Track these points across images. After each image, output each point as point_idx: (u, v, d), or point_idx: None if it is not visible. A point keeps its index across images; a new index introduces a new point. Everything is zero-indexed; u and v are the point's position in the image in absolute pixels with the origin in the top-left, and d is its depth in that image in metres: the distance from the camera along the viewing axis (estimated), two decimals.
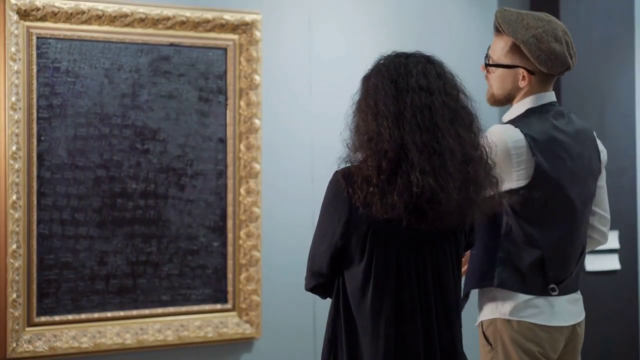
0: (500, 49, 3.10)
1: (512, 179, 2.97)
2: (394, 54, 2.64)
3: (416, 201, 2.50)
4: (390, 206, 2.50)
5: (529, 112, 3.07)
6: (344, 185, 2.55)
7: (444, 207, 2.52)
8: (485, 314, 3.06)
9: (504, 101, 3.15)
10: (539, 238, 3.01)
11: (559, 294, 3.05)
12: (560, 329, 3.05)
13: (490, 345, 3.03)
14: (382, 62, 2.63)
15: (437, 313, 2.62)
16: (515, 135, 2.98)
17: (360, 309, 2.58)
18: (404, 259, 2.58)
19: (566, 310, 3.08)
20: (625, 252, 5.08)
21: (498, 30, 3.10)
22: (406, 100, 2.54)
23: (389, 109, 2.53)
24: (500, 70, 3.09)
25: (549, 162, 2.99)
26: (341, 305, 2.62)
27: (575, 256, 3.11)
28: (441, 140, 2.52)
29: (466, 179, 2.56)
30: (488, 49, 3.16)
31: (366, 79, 2.63)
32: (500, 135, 2.97)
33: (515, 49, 3.06)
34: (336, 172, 2.60)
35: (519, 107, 3.11)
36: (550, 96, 3.12)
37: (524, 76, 3.07)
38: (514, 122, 3.05)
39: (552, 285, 3.04)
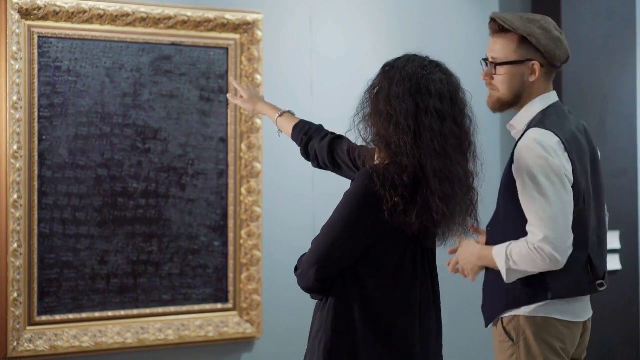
0: (506, 47, 3.11)
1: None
2: (418, 63, 2.66)
3: (429, 224, 2.61)
4: (408, 224, 2.58)
5: (544, 114, 3.09)
6: (376, 185, 2.59)
7: (446, 233, 2.66)
8: (510, 310, 3.08)
9: (511, 103, 3.15)
10: (585, 237, 3.05)
11: (606, 288, 3.13)
12: (578, 325, 3.10)
13: (512, 340, 3.05)
14: (405, 67, 2.64)
15: (438, 309, 2.77)
16: (552, 137, 3.00)
17: (385, 293, 2.65)
18: (424, 258, 2.71)
19: (585, 306, 3.12)
20: (626, 253, 5.09)
21: (500, 31, 3.11)
22: (425, 122, 2.59)
23: (409, 125, 2.59)
24: (508, 70, 3.10)
25: (579, 161, 3.03)
26: (355, 298, 2.65)
27: (606, 249, 3.18)
28: (451, 167, 2.60)
29: (467, 208, 2.68)
30: (485, 58, 3.17)
31: (389, 81, 2.64)
32: (538, 139, 2.99)
33: (523, 43, 3.08)
34: (365, 171, 2.63)
35: (528, 110, 3.12)
36: (554, 96, 3.16)
37: (533, 70, 3.08)
38: (538, 125, 3.05)
39: (600, 281, 3.09)
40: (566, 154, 2.99)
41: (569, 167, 2.99)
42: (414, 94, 2.60)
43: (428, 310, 2.70)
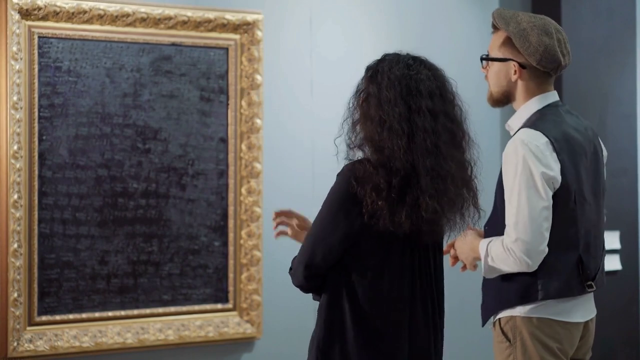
0: (494, 44, 3.17)
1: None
2: (403, 64, 2.67)
3: (420, 222, 2.60)
4: (398, 224, 2.58)
5: (540, 114, 3.09)
6: (355, 186, 2.60)
7: (439, 228, 2.66)
8: (504, 311, 3.08)
9: (502, 99, 3.17)
10: (575, 238, 3.05)
11: (595, 289, 3.11)
12: (577, 325, 3.09)
13: (509, 341, 3.05)
14: (392, 70, 2.65)
15: (439, 312, 2.76)
16: (540, 138, 3.00)
17: (375, 293, 2.64)
18: (416, 256, 2.69)
19: (584, 307, 3.11)
20: (626, 253, 5.09)
21: (494, 27, 3.16)
22: (417, 122, 2.60)
23: (402, 129, 2.60)
24: (495, 65, 3.14)
25: (570, 161, 3.03)
26: (345, 297, 2.65)
27: (600, 251, 3.17)
28: (443, 164, 2.61)
29: (462, 202, 2.68)
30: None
31: (377, 86, 2.64)
32: (525, 140, 2.99)
33: (507, 42, 3.12)
34: (345, 170, 2.64)
35: (525, 109, 3.13)
36: (553, 96, 3.16)
37: (515, 70, 3.10)
38: (530, 125, 3.06)
39: (589, 283, 3.08)
40: (554, 154, 2.99)
41: (556, 167, 2.99)
42: (405, 97, 2.61)
43: (424, 308, 2.69)
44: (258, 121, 4.29)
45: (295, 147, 4.49)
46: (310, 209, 4.42)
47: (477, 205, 2.75)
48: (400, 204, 2.57)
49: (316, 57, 4.53)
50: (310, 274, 2.69)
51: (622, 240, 5.06)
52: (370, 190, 2.57)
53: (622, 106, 5.10)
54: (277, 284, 4.37)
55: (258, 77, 4.30)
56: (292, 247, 4.35)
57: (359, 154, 2.66)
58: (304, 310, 4.43)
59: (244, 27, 4.29)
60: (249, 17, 4.29)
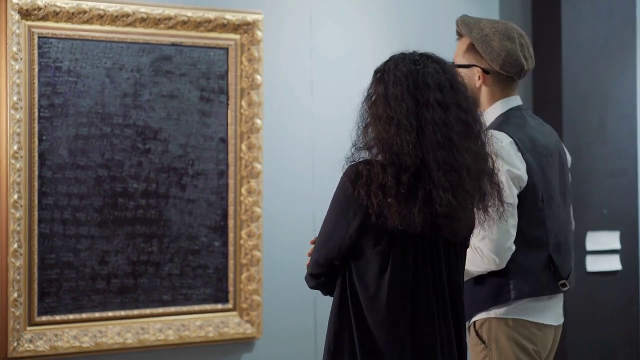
0: (458, 51, 3.20)
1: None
2: (409, 60, 2.64)
3: (434, 217, 2.54)
4: (409, 221, 2.53)
5: (504, 117, 3.12)
6: (352, 188, 2.57)
7: (458, 223, 2.58)
8: (479, 314, 3.08)
9: None
10: (544, 237, 3.06)
11: (569, 288, 3.12)
12: (550, 328, 3.12)
13: (484, 343, 3.05)
14: (398, 67, 2.62)
15: (454, 311, 2.67)
16: (504, 138, 3.02)
17: (374, 301, 2.59)
18: (420, 258, 2.61)
19: (556, 310, 3.13)
20: (626, 253, 5.08)
21: (458, 34, 3.17)
22: (426, 116, 2.56)
23: (411, 124, 2.55)
24: (460, 72, 3.13)
25: (536, 161, 3.05)
26: (350, 302, 2.62)
27: (571, 249, 3.19)
28: (457, 156, 2.55)
29: (480, 194, 2.62)
30: None
31: (384, 85, 2.62)
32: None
33: (471, 48, 3.15)
34: (344, 172, 2.61)
35: (488, 114, 3.17)
36: (516, 100, 3.20)
37: (479, 76, 3.12)
38: (494, 127, 3.07)
39: (562, 281, 3.09)
40: (519, 154, 3.02)
41: (522, 167, 3.01)
42: (412, 91, 2.57)
43: (429, 309, 2.62)
44: (258, 121, 4.29)
45: (295, 147, 4.49)
46: (311, 209, 4.45)
47: (501, 197, 2.68)
48: (411, 200, 2.52)
49: (316, 57, 4.53)
50: (315, 273, 2.69)
51: (622, 240, 5.06)
52: (376, 189, 2.53)
53: (622, 106, 5.10)
54: (277, 284, 4.37)
55: (258, 77, 4.30)
56: (291, 248, 4.37)
57: (363, 155, 2.63)
58: (304, 310, 4.44)
59: (244, 27, 4.29)
60: (249, 17, 4.29)
